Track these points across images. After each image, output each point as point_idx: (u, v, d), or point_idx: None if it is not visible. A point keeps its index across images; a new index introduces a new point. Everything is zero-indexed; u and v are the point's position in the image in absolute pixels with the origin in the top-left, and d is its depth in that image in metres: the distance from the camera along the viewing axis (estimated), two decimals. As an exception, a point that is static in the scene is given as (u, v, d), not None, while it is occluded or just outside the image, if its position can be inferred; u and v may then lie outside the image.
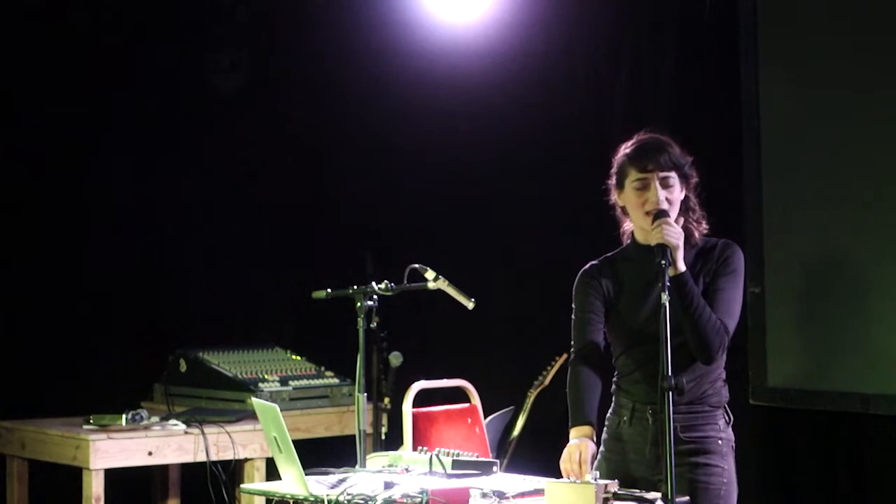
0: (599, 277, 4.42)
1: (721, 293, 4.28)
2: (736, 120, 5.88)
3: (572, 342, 4.45)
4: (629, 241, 4.44)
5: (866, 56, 5.48)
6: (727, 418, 4.36)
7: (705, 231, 4.39)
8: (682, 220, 4.31)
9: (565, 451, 4.22)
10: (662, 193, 4.26)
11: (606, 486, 3.98)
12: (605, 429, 4.42)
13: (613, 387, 4.44)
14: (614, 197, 4.41)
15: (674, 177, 4.29)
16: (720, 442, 4.31)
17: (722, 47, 5.97)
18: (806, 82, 5.68)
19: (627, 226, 4.45)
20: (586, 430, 4.27)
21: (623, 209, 4.41)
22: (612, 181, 4.40)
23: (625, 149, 4.38)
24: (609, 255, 4.49)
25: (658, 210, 4.23)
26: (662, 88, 6.23)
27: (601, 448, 4.40)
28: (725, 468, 4.30)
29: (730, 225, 4.53)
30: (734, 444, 4.37)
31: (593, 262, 4.48)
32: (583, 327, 4.41)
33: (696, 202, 4.38)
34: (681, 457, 4.20)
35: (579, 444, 4.20)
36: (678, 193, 4.30)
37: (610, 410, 4.44)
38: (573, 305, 4.46)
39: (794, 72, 5.72)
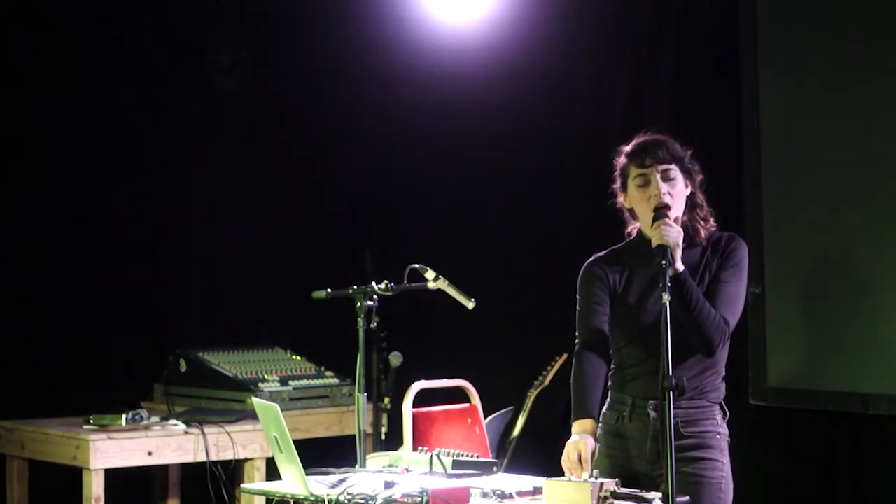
0: (606, 268, 4.41)
1: (724, 286, 4.29)
2: (736, 120, 5.88)
3: (577, 333, 4.42)
4: (636, 236, 4.42)
5: (865, 56, 5.48)
6: (724, 413, 4.37)
7: (713, 228, 4.38)
8: (686, 218, 4.31)
9: (565, 449, 4.22)
10: (664, 187, 4.26)
11: (603, 484, 3.98)
12: (601, 425, 4.39)
13: (609, 381, 4.41)
14: (620, 200, 4.42)
15: (674, 169, 4.29)
16: (718, 436, 4.32)
17: (722, 47, 5.97)
18: (805, 82, 5.68)
19: (633, 227, 4.45)
20: (587, 424, 4.26)
21: (631, 211, 4.40)
22: (617, 184, 4.41)
23: (624, 150, 4.39)
24: (616, 247, 4.47)
25: (659, 205, 4.23)
26: (662, 88, 6.23)
27: (599, 444, 4.37)
28: (724, 462, 4.32)
29: (730, 224, 4.52)
30: (729, 440, 4.38)
31: (599, 254, 4.47)
32: (588, 318, 4.39)
33: (703, 199, 4.38)
34: (681, 451, 4.20)
35: (577, 443, 4.20)
36: (681, 187, 4.30)
37: (606, 406, 4.42)
38: (578, 296, 4.44)
39: (794, 72, 5.72)
